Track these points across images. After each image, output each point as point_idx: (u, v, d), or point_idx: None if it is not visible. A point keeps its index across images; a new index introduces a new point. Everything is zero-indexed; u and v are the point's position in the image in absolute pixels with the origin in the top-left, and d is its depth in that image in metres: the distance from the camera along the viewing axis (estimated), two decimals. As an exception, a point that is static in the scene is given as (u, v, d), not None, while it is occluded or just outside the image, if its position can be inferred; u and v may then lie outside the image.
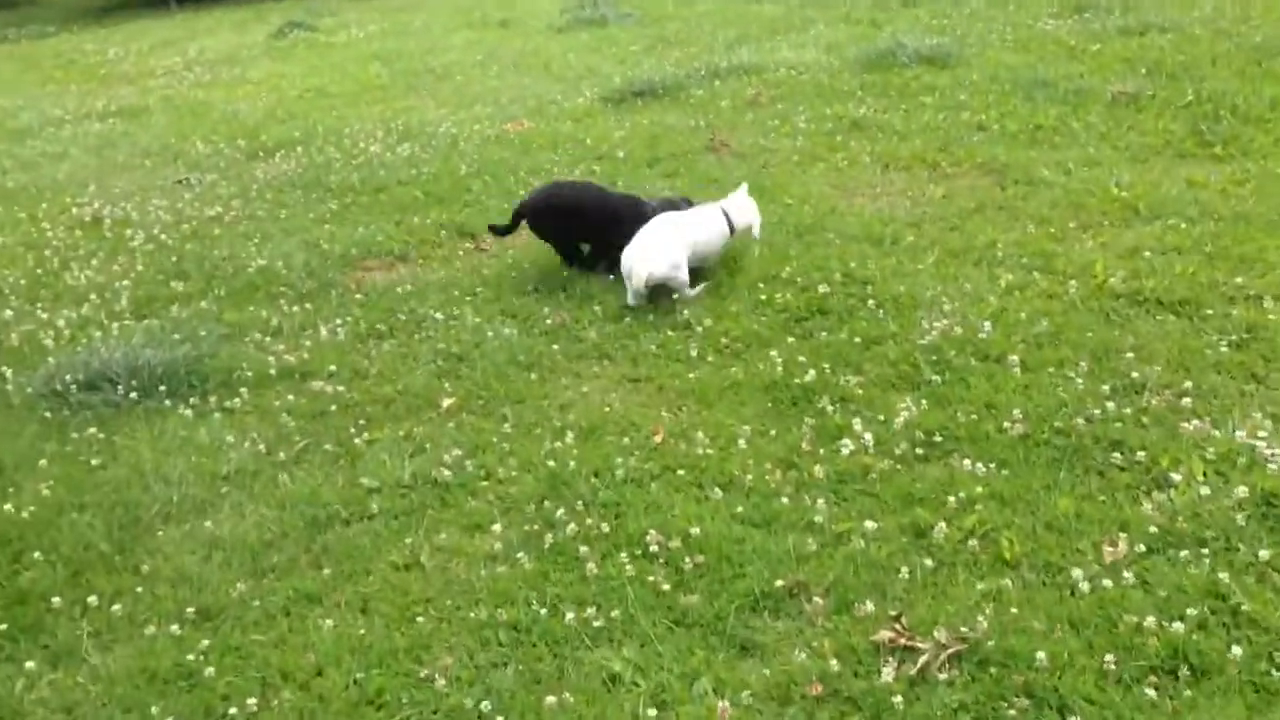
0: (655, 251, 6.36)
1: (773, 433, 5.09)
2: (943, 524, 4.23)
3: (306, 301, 7.22)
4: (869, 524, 4.29)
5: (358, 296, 7.20)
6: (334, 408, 5.80)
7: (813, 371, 5.51)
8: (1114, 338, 5.53)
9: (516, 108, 12.11)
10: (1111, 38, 11.71)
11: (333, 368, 6.24)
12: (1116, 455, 4.55)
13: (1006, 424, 4.87)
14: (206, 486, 5.17)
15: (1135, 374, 5.15)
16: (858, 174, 8.60)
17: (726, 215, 6.82)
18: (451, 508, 4.86)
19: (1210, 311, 5.69)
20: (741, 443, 5.00)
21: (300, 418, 5.75)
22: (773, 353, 5.81)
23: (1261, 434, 4.54)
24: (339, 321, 6.84)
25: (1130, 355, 5.31)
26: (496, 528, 4.60)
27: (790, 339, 5.98)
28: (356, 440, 5.46)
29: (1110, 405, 4.87)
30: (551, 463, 5.04)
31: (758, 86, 11.42)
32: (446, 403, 5.78)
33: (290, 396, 5.95)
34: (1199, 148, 8.21)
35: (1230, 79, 9.73)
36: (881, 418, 5.06)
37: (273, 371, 6.25)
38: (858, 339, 5.82)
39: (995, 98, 10.12)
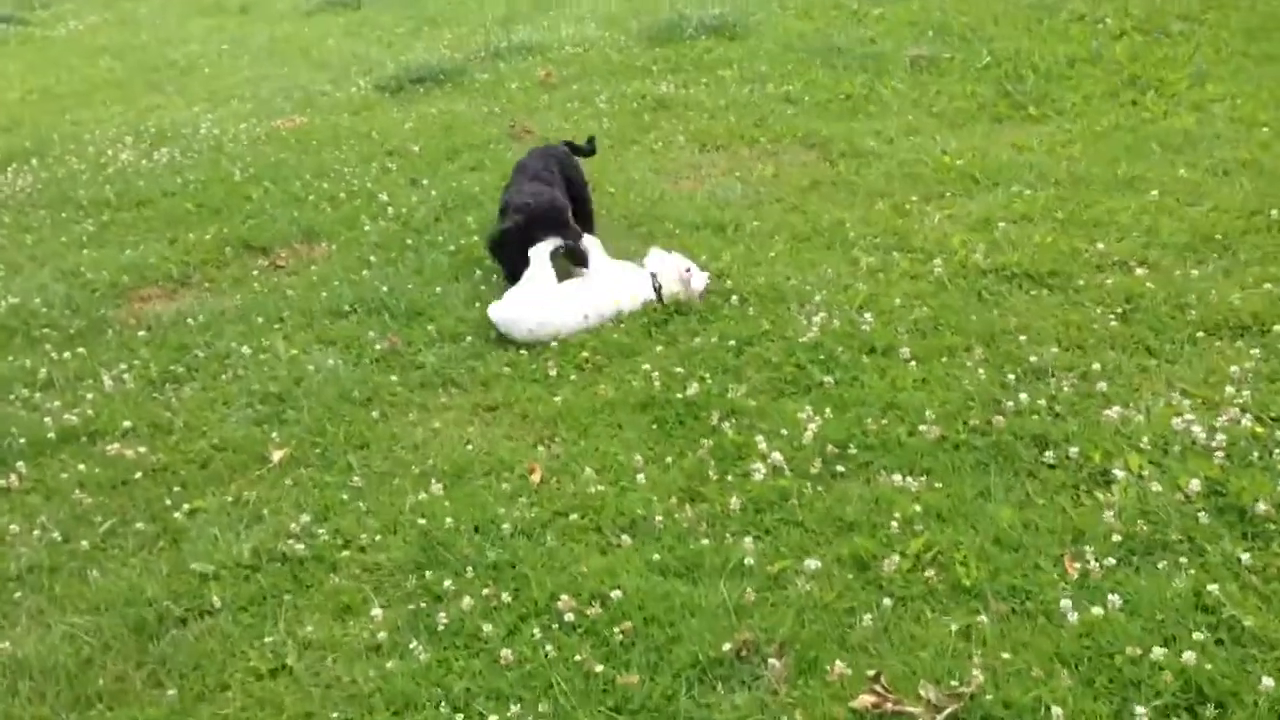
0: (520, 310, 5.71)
1: (668, 459, 4.55)
2: (889, 553, 3.80)
3: (78, 344, 6.18)
4: (808, 562, 3.81)
5: (140, 334, 6.21)
6: (138, 474, 4.90)
7: (694, 384, 4.99)
8: (995, 319, 5.27)
9: (282, 101, 11.06)
10: (892, 0, 11.65)
11: (127, 423, 5.30)
12: (1046, 454, 4.25)
13: (919, 426, 4.50)
14: (-8, 596, 4.20)
15: (1033, 358, 4.88)
16: (676, 155, 8.14)
17: (655, 283, 5.92)
18: (311, 589, 4.11)
19: (1082, 282, 5.52)
20: (637, 476, 4.42)
21: (98, 491, 4.83)
22: (641, 364, 5.26)
23: (1185, 416, 4.31)
24: (123, 366, 5.87)
25: (1021, 337, 5.05)
26: (375, 611, 3.89)
27: (656, 346, 5.44)
28: (175, 513, 4.61)
29: (1021, 397, 4.58)
30: (421, 519, 4.35)
31: (546, 67, 10.79)
32: (277, 455, 4.97)
33: (80, 465, 5.00)
34: (1012, 109, 8.15)
35: (1019, 38, 9.79)
36: (784, 431, 4.60)
37: (52, 435, 5.26)
38: (730, 340, 5.35)
39: (794, 67, 9.86)
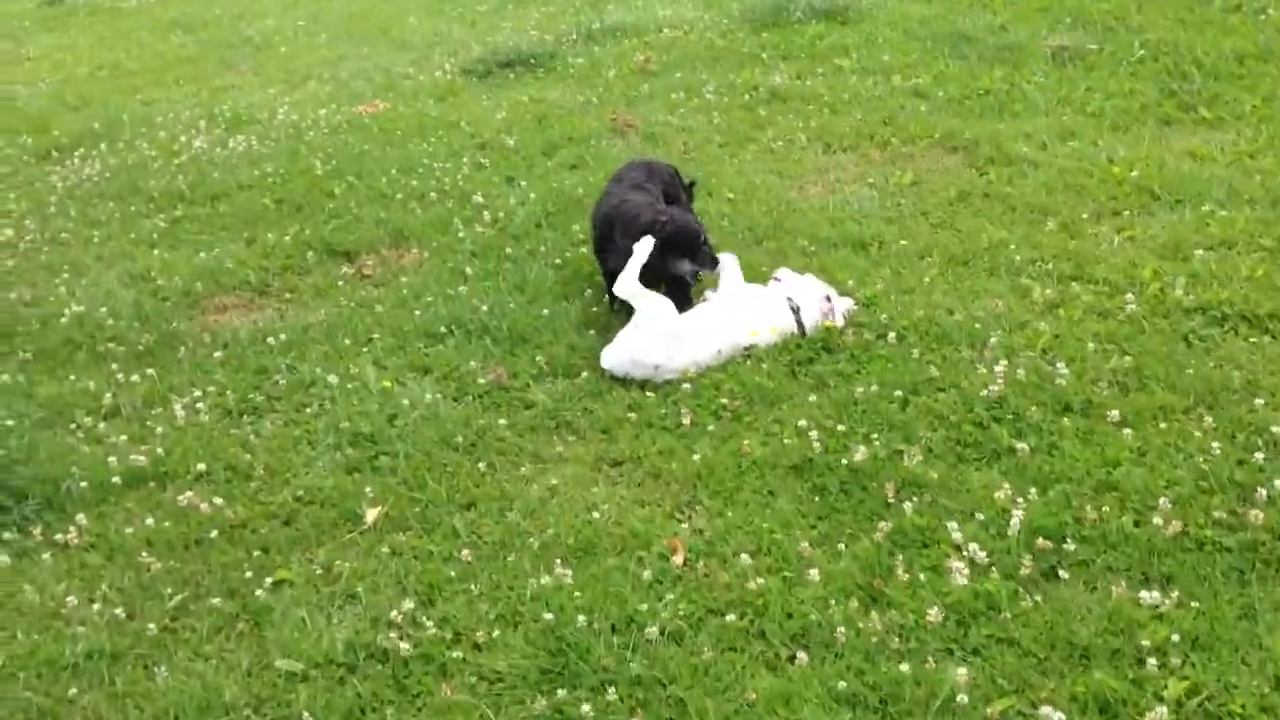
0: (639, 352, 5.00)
1: (839, 545, 3.79)
2: (1142, 696, 3.02)
3: (147, 363, 5.53)
4: (1045, 711, 3.03)
5: (216, 354, 5.55)
6: (214, 533, 4.24)
7: (858, 444, 4.23)
8: (1214, 372, 4.44)
9: (362, 84, 10.37)
10: (1017, -17, 10.69)
11: (201, 466, 4.64)
12: (1322, 562, 3.42)
13: (1149, 515, 3.68)
14: (44, 689, 3.55)
15: (1276, 427, 4.02)
16: (799, 157, 7.32)
17: (796, 312, 5.13)
18: (419, 698, 3.43)
19: (1312, 328, 4.64)
20: (804, 566, 3.67)
21: (168, 553, 4.18)
22: (789, 413, 4.50)
23: None
24: (197, 392, 5.21)
25: (1258, 400, 4.21)
26: (497, 740, 3.16)
27: (804, 392, 4.68)
28: (256, 588, 3.93)
29: (1277, 483, 3.73)
30: (546, 613, 3.63)
31: (644, 51, 9.99)
32: (371, 514, 4.29)
33: (148, 519, 4.36)
34: (1180, 111, 7.25)
35: (1172, 28, 8.83)
36: (979, 514, 3.82)
37: (117, 478, 4.61)
38: (896, 391, 4.57)
39: (919, 56, 8.99)
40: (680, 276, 5.21)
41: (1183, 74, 7.78)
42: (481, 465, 4.48)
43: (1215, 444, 4.02)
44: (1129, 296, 5.06)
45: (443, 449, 4.62)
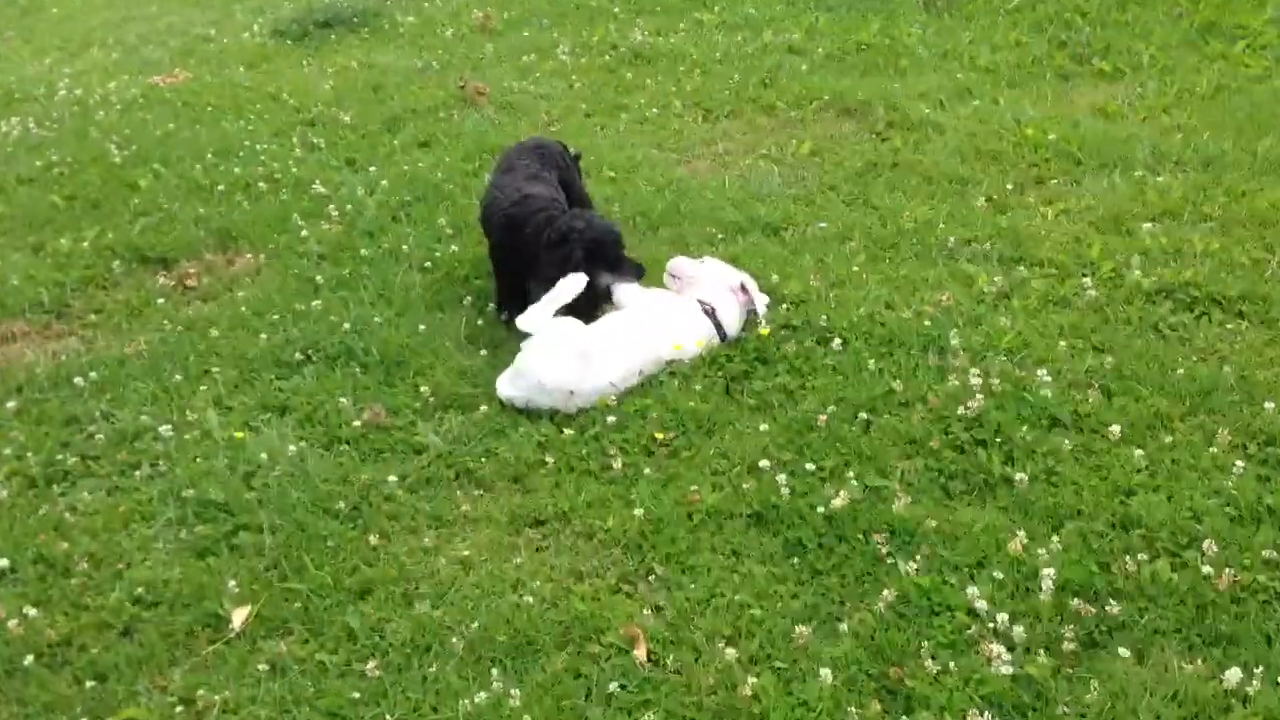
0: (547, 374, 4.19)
1: (838, 622, 3.12)
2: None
3: (-86, 421, 4.41)
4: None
5: (8, 404, 4.46)
6: (29, 659, 3.27)
7: (830, 487, 3.55)
8: (1202, 369, 3.97)
9: (156, 49, 9.11)
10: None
11: (2, 562, 3.63)
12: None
13: (1192, 560, 3.14)
14: None
15: (1296, 438, 3.55)
16: (678, 126, 6.59)
17: (712, 315, 4.47)
18: None
19: (1290, 310, 4.21)
20: (797, 656, 2.98)
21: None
22: (737, 446, 3.81)
23: None
24: (-13, 457, 4.15)
25: (1268, 404, 3.73)
26: None
27: (747, 417, 3.98)
28: (93, 737, 2.99)
29: (1321, 509, 3.24)
30: (489, 748, 2.83)
31: (482, 7, 9.03)
32: (238, 615, 3.42)
33: (-65, 645, 3.33)
34: (1075, 64, 6.86)
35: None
36: (993, 569, 3.21)
37: (-115, 588, 3.56)
38: (856, 411, 3.92)
39: (785, 9, 8.42)
40: (598, 290, 4.42)
41: (1066, 23, 7.38)
42: (372, 537, 3.63)
43: (1236, 462, 3.51)
44: (1085, 281, 4.55)
45: (319, 517, 3.74)
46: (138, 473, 4.04)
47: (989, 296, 4.53)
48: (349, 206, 5.81)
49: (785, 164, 5.96)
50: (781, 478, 3.64)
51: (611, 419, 4.02)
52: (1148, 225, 4.88)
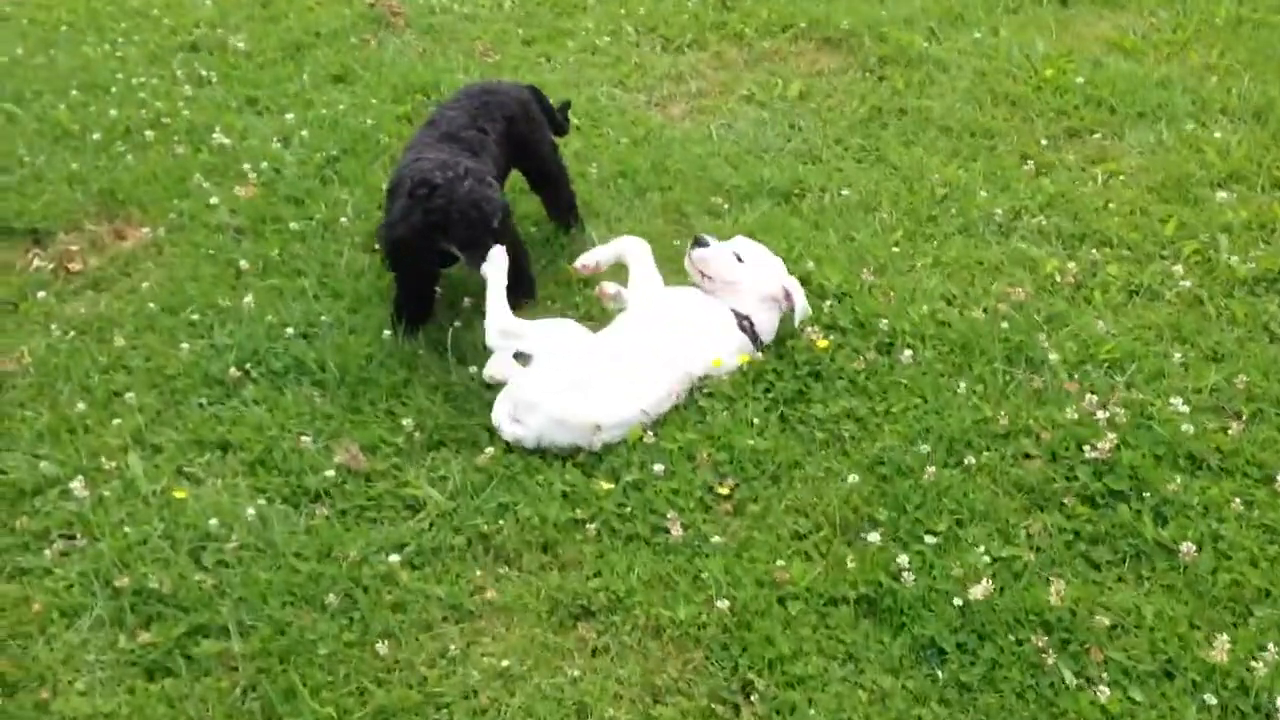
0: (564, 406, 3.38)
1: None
2: None
3: None
4: None
5: None
6: None
7: (957, 564, 2.88)
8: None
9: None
10: None
11: (-126, 696, 2.71)
12: None
13: None
14: None
15: None
16: (638, 59, 5.73)
17: (749, 328, 3.69)
18: None
19: None
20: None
21: None
22: (814, 498, 3.14)
23: None
24: None
25: None
26: None
27: (819, 455, 3.29)
28: None
29: None
30: None
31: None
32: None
33: None
34: (1072, -11, 6.12)
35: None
36: (1204, 692, 2.60)
37: None
38: (952, 447, 3.24)
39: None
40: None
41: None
42: (379, 643, 2.81)
43: None
44: (1174, 268, 3.94)
45: (301, 610, 2.91)
46: (46, 550, 3.09)
47: (1063, 287, 3.89)
48: (263, 163, 4.79)
49: (773, 108, 5.17)
50: (875, 537, 2.95)
51: (656, 465, 3.24)
52: (1221, 194, 4.28)
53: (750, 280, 3.65)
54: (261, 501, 3.24)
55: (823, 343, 3.57)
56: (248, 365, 3.73)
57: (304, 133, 4.98)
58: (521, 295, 3.82)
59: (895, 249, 4.13)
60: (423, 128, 4.04)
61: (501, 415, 3.42)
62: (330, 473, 3.30)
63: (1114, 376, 3.46)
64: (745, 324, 3.65)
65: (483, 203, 3.59)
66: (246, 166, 4.78)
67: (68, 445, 3.44)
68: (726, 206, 4.43)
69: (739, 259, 3.69)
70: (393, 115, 5.16)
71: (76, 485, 3.27)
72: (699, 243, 3.71)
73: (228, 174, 4.78)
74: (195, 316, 3.96)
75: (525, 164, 4.19)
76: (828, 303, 3.83)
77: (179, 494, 3.22)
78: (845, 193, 4.45)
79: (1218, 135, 4.66)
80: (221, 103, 5.36)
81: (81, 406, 3.57)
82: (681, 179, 4.64)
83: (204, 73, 5.64)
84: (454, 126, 3.94)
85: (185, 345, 3.79)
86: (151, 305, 4.01)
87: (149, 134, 5.04)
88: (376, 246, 3.97)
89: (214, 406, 3.60)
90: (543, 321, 3.59)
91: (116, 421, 3.52)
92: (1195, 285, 3.86)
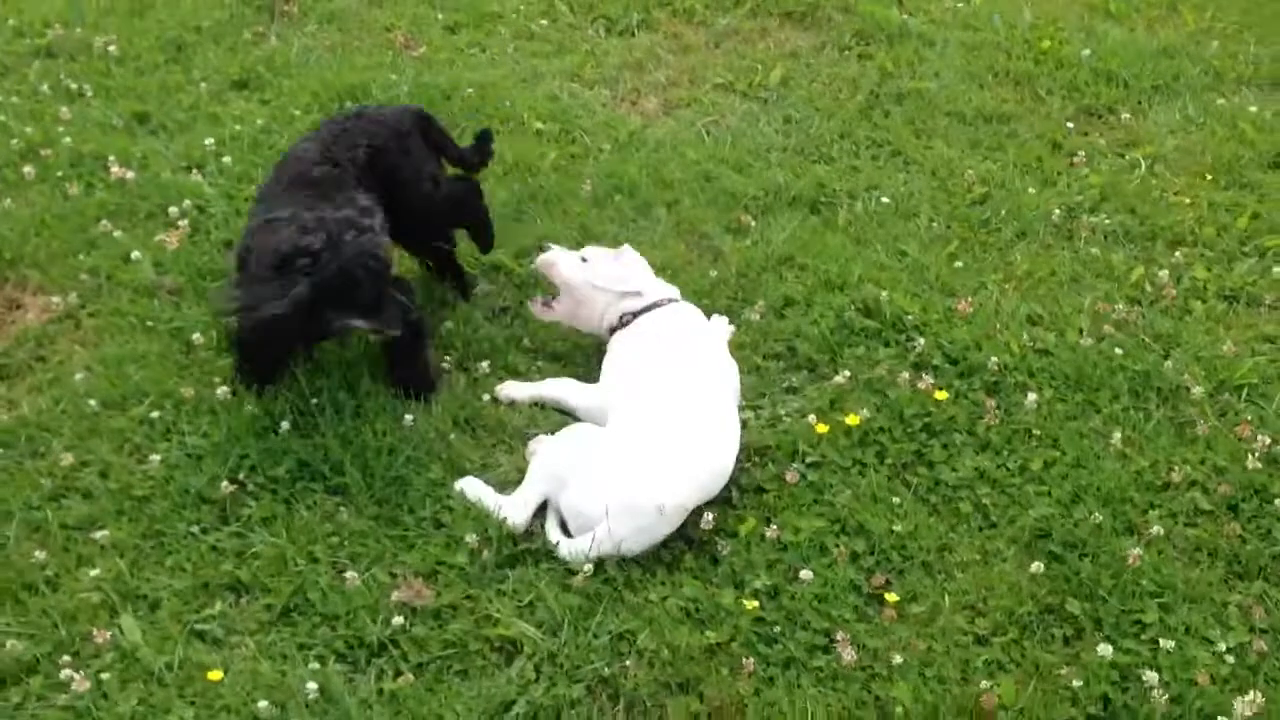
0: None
1: None
2: None
3: None
4: None
5: None
6: None
7: (1190, 674, 2.48)
8: None
9: None
10: None
11: None
12: None
13: None
14: None
15: None
16: (587, 46, 5.12)
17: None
18: None
19: None
20: None
21: None
22: (978, 587, 2.66)
23: None
24: None
25: None
26: None
27: (968, 534, 2.84)
28: None
29: None
30: None
31: None
32: None
33: None
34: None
35: None
36: None
37: None
38: (1116, 511, 2.81)
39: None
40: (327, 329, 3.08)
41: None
42: None
43: None
44: (1273, 270, 3.60)
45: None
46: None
47: (1160, 298, 3.51)
48: (183, 200, 3.97)
49: (757, 99, 4.65)
50: (1073, 635, 2.50)
51: (787, 564, 2.71)
52: (1274, 176, 3.98)
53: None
54: (315, 665, 2.54)
55: (941, 393, 3.08)
56: (241, 475, 2.98)
57: (225, 158, 4.16)
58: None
59: (958, 264, 3.69)
60: (273, 168, 3.34)
61: (554, 533, 2.85)
62: (395, 618, 2.63)
63: (1261, 405, 3.09)
64: None
65: (376, 252, 2.95)
66: (160, 205, 3.95)
67: (34, 611, 2.66)
68: (751, 223, 3.88)
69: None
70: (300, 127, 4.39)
71: (66, 670, 2.50)
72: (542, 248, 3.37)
73: (139, 216, 3.95)
74: (153, 414, 3.17)
75: (395, 204, 3.29)
76: (903, 336, 3.36)
77: (214, 676, 2.49)
78: (883, 200, 3.96)
79: (1254, 109, 4.36)
80: (104, 122, 4.47)
81: (39, 554, 2.77)
82: (684, 190, 4.07)
83: (72, 85, 4.70)
84: (303, 165, 3.25)
85: (155, 458, 3.01)
86: (91, 402, 3.20)
87: (27, 170, 4.12)
88: (224, 324, 3.23)
89: (210, 535, 2.87)
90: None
91: (91, 572, 2.74)
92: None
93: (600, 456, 2.85)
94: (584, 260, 3.30)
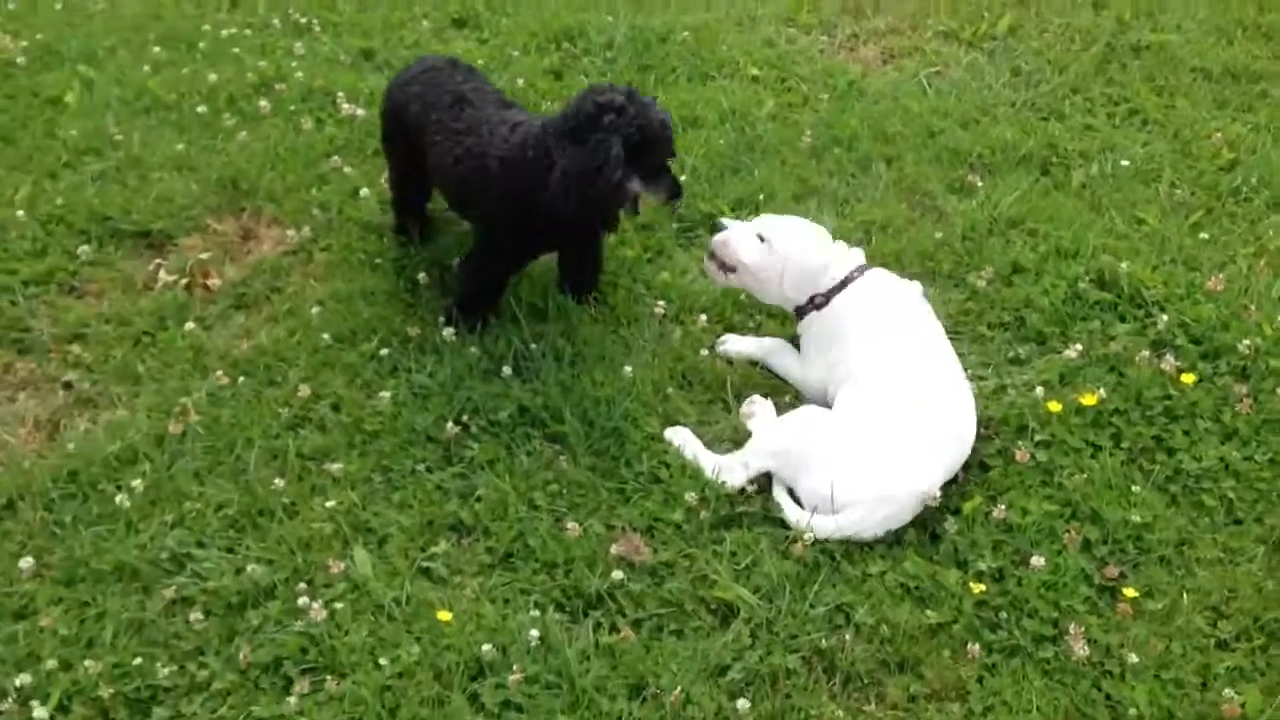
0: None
1: None
2: None
3: None
4: None
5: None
6: None
7: None
8: None
9: None
10: None
11: None
12: None
13: None
14: None
15: None
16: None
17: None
18: None
19: None
20: None
21: None
22: (1221, 585, 2.54)
23: None
24: None
25: None
26: None
27: (1211, 528, 2.71)
28: None
29: None
30: None
31: None
32: None
33: None
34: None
35: None
36: None
37: None
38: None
39: None
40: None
41: None
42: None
43: None
44: None
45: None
46: (290, 696, 2.45)
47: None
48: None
49: (983, 49, 4.46)
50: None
51: (1016, 547, 2.62)
52: None
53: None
54: (535, 613, 2.59)
55: (1187, 376, 2.91)
56: (464, 417, 3.04)
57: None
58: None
59: (1203, 236, 3.47)
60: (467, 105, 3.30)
61: (785, 502, 2.80)
62: (614, 572, 2.65)
63: None
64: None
65: (666, 118, 3.02)
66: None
67: (272, 537, 2.77)
68: (978, 182, 3.73)
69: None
70: (540, 70, 4.40)
71: (302, 599, 2.61)
72: (716, 228, 3.19)
73: (366, 153, 4.04)
74: (382, 350, 3.25)
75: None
76: (1143, 312, 3.18)
77: (442, 616, 2.56)
78: (1121, 162, 3.74)
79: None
80: (332, 58, 4.58)
81: (278, 482, 2.89)
82: (908, 146, 3.93)
83: (300, 19, 4.81)
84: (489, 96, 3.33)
85: (385, 395, 3.10)
86: (324, 336, 3.31)
87: (262, 104, 4.25)
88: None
89: (436, 474, 2.94)
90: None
91: (326, 503, 2.84)
92: None
93: (845, 443, 2.78)
94: (761, 239, 3.16)
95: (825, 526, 2.71)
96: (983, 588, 2.58)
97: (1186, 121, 3.95)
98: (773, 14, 4.74)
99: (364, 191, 3.81)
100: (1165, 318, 3.15)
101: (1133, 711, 2.35)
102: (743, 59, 4.39)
